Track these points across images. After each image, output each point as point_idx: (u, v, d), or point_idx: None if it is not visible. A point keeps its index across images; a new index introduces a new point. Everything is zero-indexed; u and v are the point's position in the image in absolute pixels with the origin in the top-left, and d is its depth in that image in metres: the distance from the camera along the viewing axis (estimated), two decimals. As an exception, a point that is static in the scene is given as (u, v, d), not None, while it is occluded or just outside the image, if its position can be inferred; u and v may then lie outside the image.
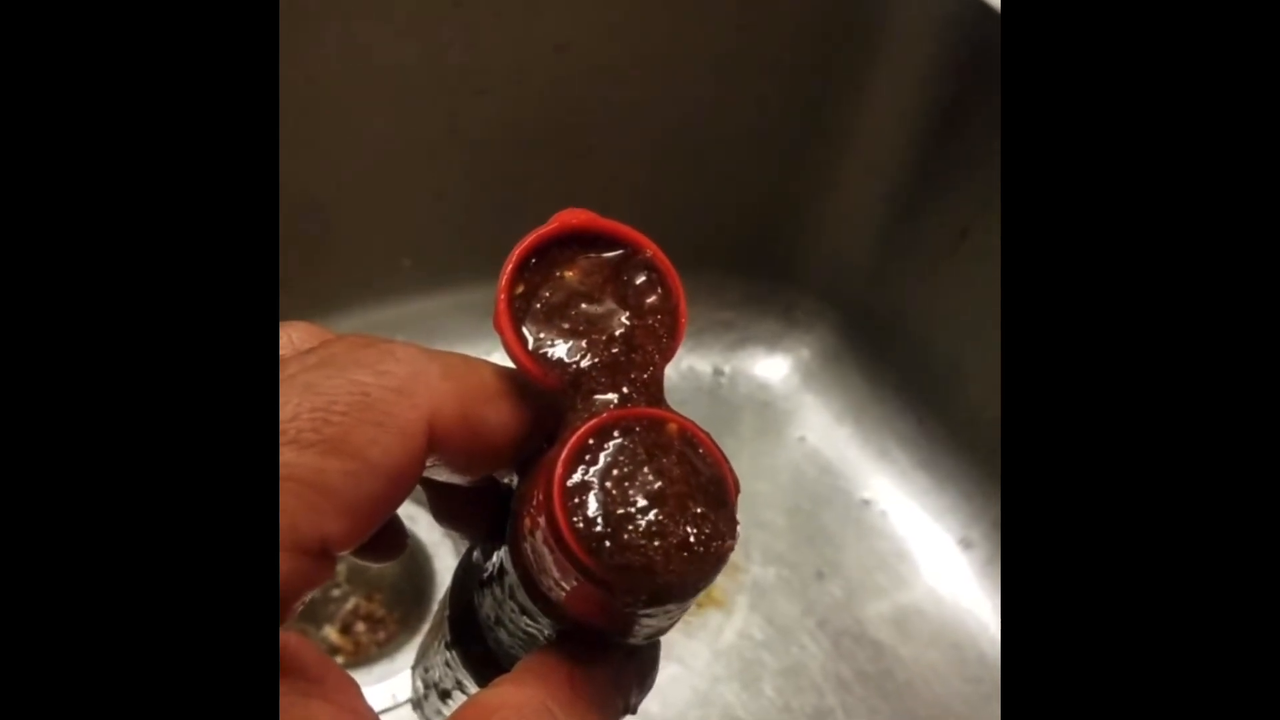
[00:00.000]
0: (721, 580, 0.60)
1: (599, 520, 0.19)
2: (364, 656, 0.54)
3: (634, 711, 0.23)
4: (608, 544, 0.19)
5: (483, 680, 0.24)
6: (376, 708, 0.52)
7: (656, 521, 0.19)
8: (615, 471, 0.20)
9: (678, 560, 0.19)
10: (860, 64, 0.62)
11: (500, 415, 0.21)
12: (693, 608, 0.60)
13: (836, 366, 0.70)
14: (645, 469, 0.20)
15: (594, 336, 0.22)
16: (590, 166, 0.63)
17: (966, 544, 0.63)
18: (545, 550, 0.20)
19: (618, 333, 0.22)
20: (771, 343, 0.72)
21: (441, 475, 0.23)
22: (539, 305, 0.22)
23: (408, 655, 0.53)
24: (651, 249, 0.23)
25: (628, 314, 0.22)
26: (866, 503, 0.65)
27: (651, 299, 0.22)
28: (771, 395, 0.70)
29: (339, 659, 0.54)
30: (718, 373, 0.71)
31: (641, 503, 0.19)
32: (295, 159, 0.55)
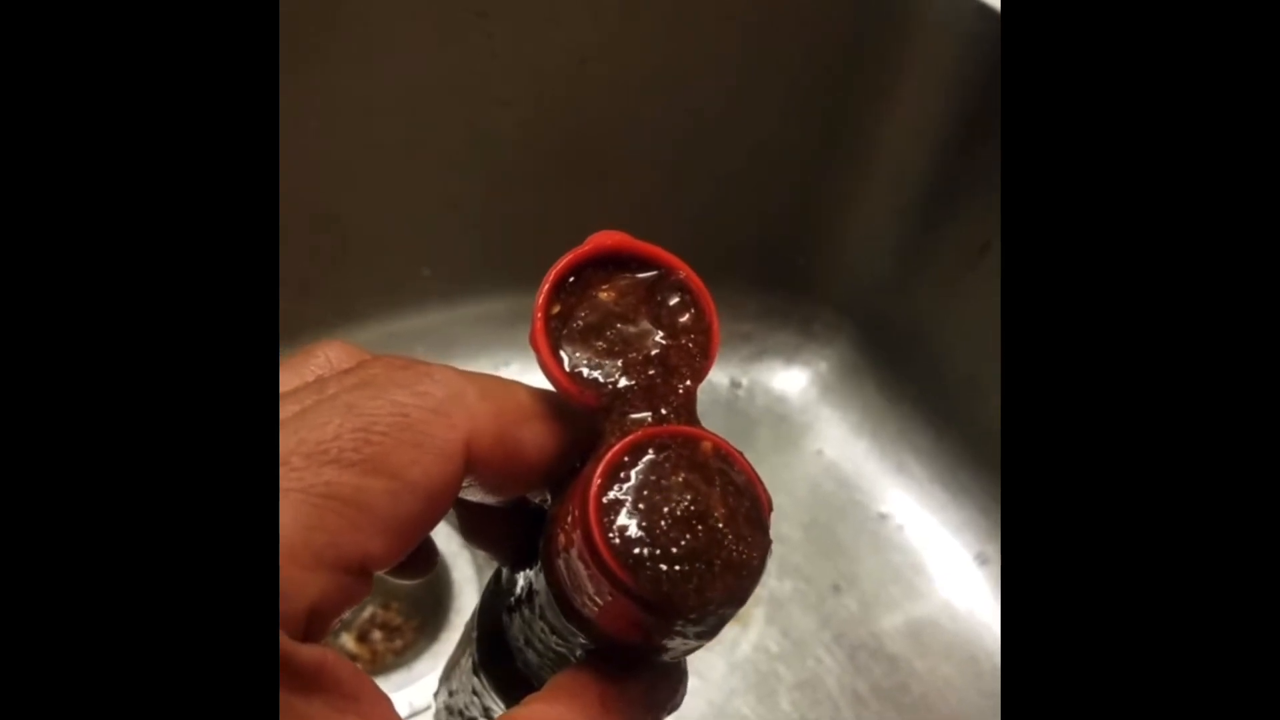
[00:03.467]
0: (737, 592, 0.60)
1: (635, 536, 0.19)
2: (381, 665, 0.54)
3: None
4: (646, 560, 0.19)
5: (511, 702, 0.24)
6: (393, 716, 0.52)
7: (693, 538, 0.20)
8: (650, 489, 0.20)
9: (714, 578, 0.19)
10: (880, 78, 0.62)
11: (536, 436, 0.22)
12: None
13: (854, 380, 0.70)
14: (681, 486, 0.20)
15: (629, 357, 0.22)
16: (611, 178, 0.64)
17: (983, 559, 0.63)
18: (580, 566, 0.20)
19: (653, 353, 0.22)
20: (789, 355, 0.72)
21: (475, 495, 0.23)
22: (575, 325, 0.22)
23: (425, 664, 0.53)
24: (685, 270, 0.23)
25: (662, 334, 0.22)
26: (883, 516, 0.65)
27: (684, 319, 0.22)
28: (789, 408, 0.70)
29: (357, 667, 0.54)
30: (735, 385, 0.71)
31: (678, 519, 0.20)
32: (316, 169, 0.56)
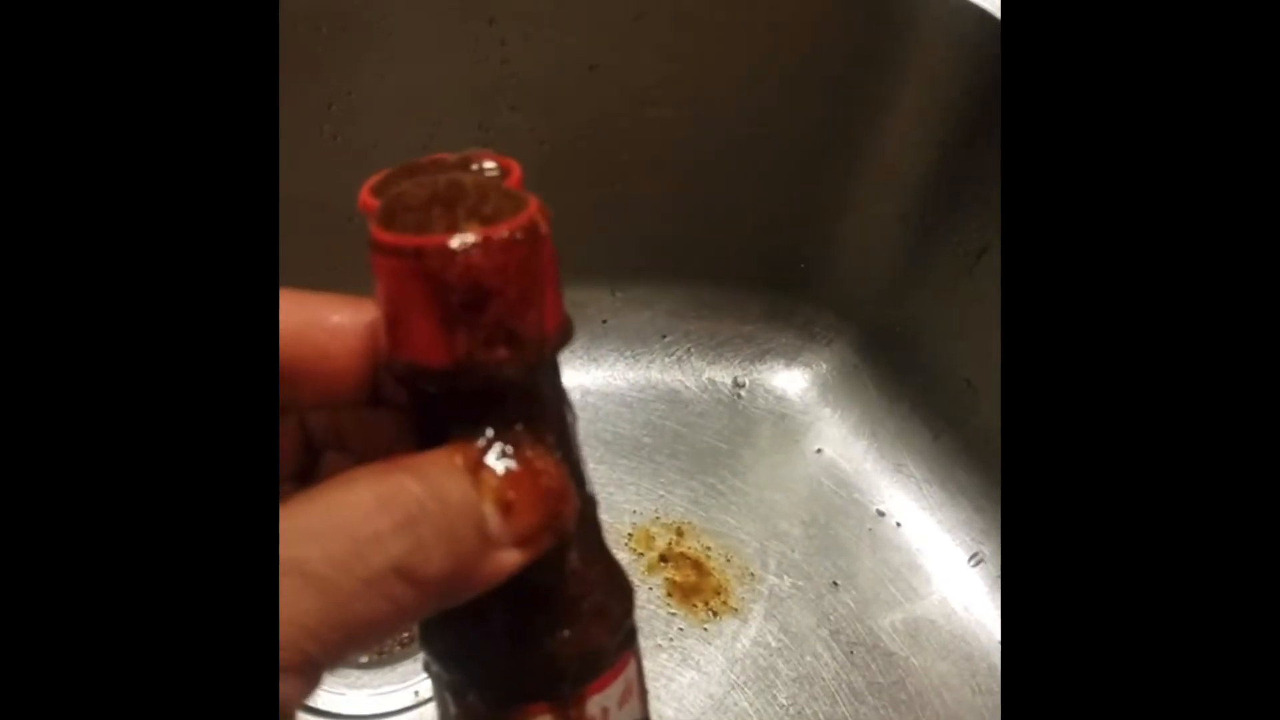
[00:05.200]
0: (738, 589, 0.61)
1: (391, 203, 0.21)
2: (388, 656, 0.56)
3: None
4: (398, 213, 0.21)
5: (452, 668, 0.25)
6: (400, 705, 0.53)
7: (439, 192, 0.21)
8: (413, 182, 0.22)
9: (459, 222, 0.21)
10: (882, 85, 0.63)
11: (344, 315, 0.23)
12: (709, 616, 0.60)
13: (854, 381, 0.72)
14: (439, 175, 0.22)
15: (436, 178, 0.23)
16: (618, 183, 0.65)
17: (979, 558, 0.64)
18: (378, 285, 0.22)
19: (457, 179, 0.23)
20: (791, 357, 0.73)
21: (319, 393, 0.23)
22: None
23: (431, 655, 0.54)
24: (492, 155, 0.24)
25: (468, 175, 0.24)
26: (881, 515, 0.66)
27: (491, 172, 0.24)
28: (790, 408, 0.71)
29: (364, 659, 0.56)
30: (737, 385, 0.72)
31: (428, 185, 0.22)
32: (329, 172, 0.57)
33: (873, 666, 0.59)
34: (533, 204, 0.21)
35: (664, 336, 0.72)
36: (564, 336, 0.22)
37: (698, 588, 0.61)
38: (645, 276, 0.70)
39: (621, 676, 0.25)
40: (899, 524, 0.66)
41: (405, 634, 0.58)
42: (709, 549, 0.63)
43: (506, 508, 0.21)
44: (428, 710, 0.53)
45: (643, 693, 0.26)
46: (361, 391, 0.24)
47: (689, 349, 0.73)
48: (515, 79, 0.58)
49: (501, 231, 0.20)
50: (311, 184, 0.57)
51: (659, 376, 0.72)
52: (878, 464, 0.69)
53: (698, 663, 0.58)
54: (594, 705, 0.24)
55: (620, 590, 0.25)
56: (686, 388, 0.71)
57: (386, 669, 0.54)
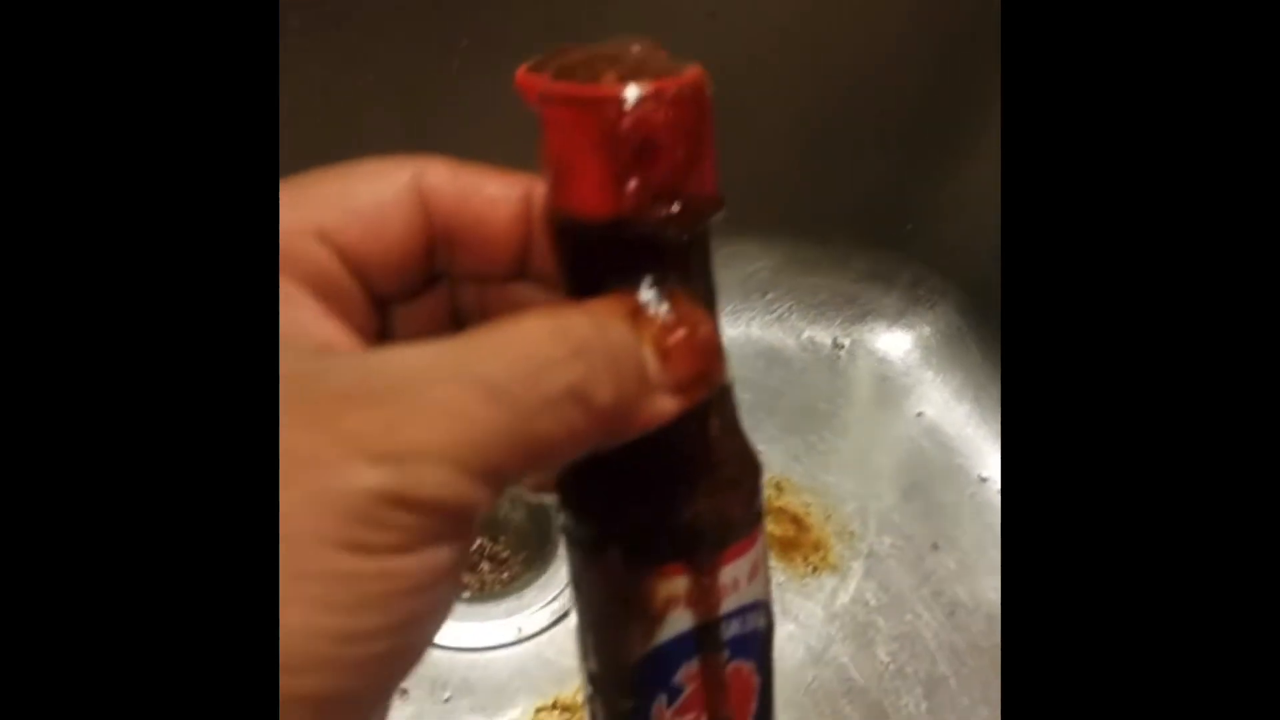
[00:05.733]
0: (837, 546, 0.61)
1: (558, 65, 0.21)
2: (490, 593, 0.56)
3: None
4: (567, 69, 0.21)
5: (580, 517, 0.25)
6: (503, 640, 0.54)
7: (605, 54, 0.21)
8: (578, 54, 0.22)
9: (625, 71, 0.21)
10: (995, 49, 0.62)
11: (499, 187, 0.23)
12: (809, 571, 0.60)
13: (958, 344, 0.71)
14: (598, 50, 0.22)
15: (595, 50, 0.23)
16: (729, 134, 0.64)
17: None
18: (546, 149, 0.21)
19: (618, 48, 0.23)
20: (894, 318, 0.72)
21: (474, 260, 0.24)
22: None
23: (534, 593, 0.55)
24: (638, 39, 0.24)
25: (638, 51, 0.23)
26: (984, 480, 0.65)
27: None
28: (891, 370, 0.71)
29: (465, 594, 0.56)
30: (837, 345, 0.71)
31: (592, 54, 0.22)
32: (455, 109, 0.57)
33: (974, 629, 0.58)
34: (696, 67, 0.22)
35: (766, 294, 0.72)
36: (719, 204, 0.23)
37: (797, 543, 0.61)
38: (749, 231, 0.70)
39: (751, 550, 0.25)
40: (1001, 489, 0.65)
41: (506, 574, 0.58)
42: (808, 505, 0.62)
43: (665, 354, 0.21)
44: (531, 645, 0.53)
45: (767, 575, 0.26)
46: (513, 265, 0.24)
47: (790, 306, 0.72)
48: (637, 22, 0.58)
49: (672, 86, 0.21)
50: (438, 120, 0.58)
51: (759, 334, 0.71)
52: (980, 429, 0.68)
53: (797, 616, 0.58)
54: (727, 574, 0.24)
55: (753, 465, 0.25)
56: (787, 346, 0.71)
57: (491, 603, 0.55)
